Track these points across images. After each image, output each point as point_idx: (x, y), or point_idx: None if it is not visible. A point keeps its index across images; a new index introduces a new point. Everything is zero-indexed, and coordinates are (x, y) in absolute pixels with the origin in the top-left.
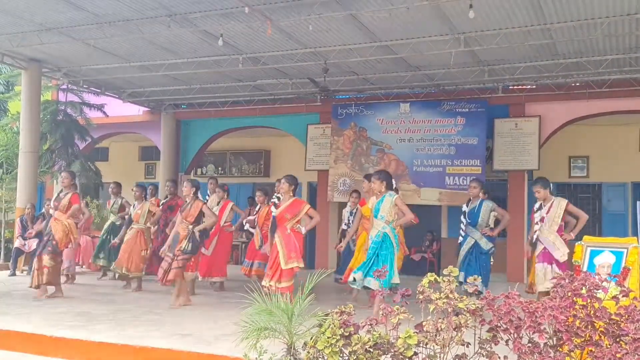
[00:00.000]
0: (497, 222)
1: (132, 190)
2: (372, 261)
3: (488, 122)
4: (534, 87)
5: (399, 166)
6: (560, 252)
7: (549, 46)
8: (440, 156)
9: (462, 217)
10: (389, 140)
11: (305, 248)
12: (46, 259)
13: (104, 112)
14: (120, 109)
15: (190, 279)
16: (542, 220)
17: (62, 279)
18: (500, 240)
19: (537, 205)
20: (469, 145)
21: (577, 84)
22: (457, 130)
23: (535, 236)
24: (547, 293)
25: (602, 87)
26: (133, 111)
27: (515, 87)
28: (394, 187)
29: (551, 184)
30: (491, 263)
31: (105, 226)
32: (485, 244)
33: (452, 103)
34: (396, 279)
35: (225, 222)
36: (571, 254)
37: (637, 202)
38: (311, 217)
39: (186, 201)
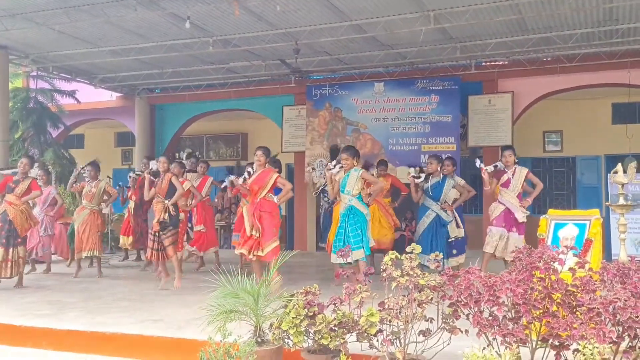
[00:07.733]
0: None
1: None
2: (343, 237)
3: (462, 99)
4: (506, 63)
5: (374, 146)
6: (522, 214)
7: (518, 22)
8: (415, 134)
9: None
10: (364, 120)
11: (285, 229)
12: (22, 251)
13: (76, 99)
14: (93, 95)
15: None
16: (507, 183)
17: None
18: (476, 217)
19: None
20: (443, 123)
21: (549, 59)
22: (431, 108)
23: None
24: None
25: (573, 62)
26: (106, 97)
27: (488, 63)
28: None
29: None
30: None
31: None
32: (447, 217)
33: (425, 81)
34: (372, 242)
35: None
36: (536, 227)
37: (608, 174)
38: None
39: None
